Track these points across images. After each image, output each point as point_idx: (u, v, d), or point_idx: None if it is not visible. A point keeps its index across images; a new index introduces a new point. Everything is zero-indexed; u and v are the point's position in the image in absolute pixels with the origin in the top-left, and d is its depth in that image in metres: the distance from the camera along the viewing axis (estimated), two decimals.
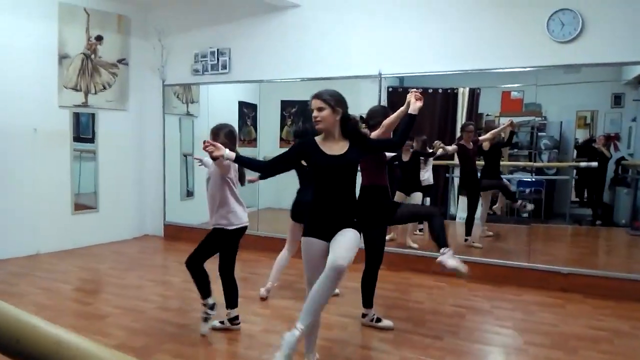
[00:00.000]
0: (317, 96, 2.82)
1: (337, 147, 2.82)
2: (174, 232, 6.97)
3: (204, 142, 2.88)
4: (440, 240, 3.55)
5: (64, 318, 3.83)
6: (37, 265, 5.40)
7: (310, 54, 5.94)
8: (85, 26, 6.22)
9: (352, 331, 3.66)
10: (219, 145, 2.88)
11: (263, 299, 4.31)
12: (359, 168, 3.69)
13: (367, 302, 3.77)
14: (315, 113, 2.80)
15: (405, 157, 5.63)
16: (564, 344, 3.45)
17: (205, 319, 3.55)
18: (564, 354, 3.29)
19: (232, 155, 2.87)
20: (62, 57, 6.00)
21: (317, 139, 2.88)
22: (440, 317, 3.93)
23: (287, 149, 2.94)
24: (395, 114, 3.41)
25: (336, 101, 2.82)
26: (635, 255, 5.93)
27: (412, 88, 3.37)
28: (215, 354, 3.34)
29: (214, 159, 2.95)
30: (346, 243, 2.69)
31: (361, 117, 3.79)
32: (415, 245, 5.63)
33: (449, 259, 3.42)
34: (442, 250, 3.50)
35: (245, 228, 3.55)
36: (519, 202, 5.98)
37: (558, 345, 3.43)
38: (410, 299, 4.24)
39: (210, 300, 3.55)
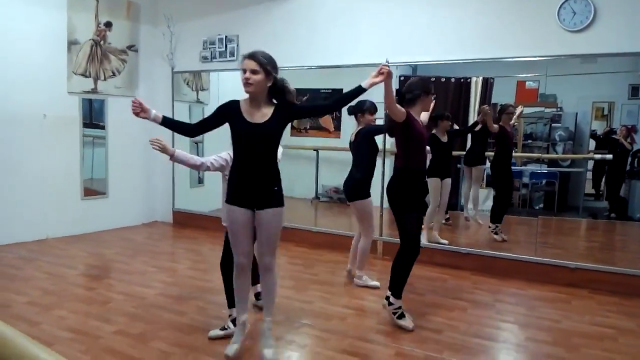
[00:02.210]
0: (251, 57, 2.71)
1: (259, 115, 2.75)
2: (182, 219, 7.00)
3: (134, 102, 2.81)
4: (398, 285, 3.49)
5: (67, 303, 3.87)
6: (46, 250, 5.46)
7: (319, 42, 5.86)
8: (95, 12, 6.22)
9: (351, 323, 3.63)
10: (145, 106, 2.80)
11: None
12: (395, 147, 3.53)
13: (396, 291, 3.49)
14: (247, 74, 2.69)
15: (444, 138, 5.28)
16: (566, 341, 3.37)
17: (222, 328, 3.32)
18: (565, 351, 3.21)
19: (160, 116, 2.84)
20: (71, 43, 6.02)
21: (242, 102, 2.79)
22: (441, 311, 3.87)
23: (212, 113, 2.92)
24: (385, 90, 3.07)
25: (272, 66, 2.75)
26: None
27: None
28: (213, 341, 3.27)
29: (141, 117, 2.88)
30: (268, 240, 2.86)
31: (397, 91, 3.45)
32: (444, 241, 5.24)
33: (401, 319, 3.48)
34: (392, 299, 3.49)
35: None
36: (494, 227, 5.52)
37: (560, 342, 3.35)
38: (411, 291, 4.16)
39: (234, 313, 3.22)
